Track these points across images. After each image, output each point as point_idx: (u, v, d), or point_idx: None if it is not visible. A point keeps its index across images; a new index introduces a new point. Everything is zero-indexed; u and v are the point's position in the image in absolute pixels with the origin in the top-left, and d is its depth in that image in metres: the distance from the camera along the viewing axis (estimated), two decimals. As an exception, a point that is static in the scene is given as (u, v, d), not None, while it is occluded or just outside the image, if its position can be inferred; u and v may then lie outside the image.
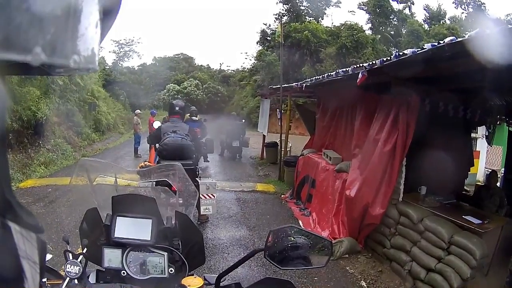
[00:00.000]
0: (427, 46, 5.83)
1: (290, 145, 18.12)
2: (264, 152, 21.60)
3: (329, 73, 10.38)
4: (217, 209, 9.67)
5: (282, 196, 13.47)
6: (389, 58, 7.02)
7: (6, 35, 0.59)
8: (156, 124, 10.13)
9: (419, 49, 6.09)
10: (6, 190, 0.75)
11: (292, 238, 2.05)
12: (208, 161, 14.18)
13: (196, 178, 8.62)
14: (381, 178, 8.00)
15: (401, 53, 6.56)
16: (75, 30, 0.69)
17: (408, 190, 8.24)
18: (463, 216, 7.31)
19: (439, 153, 7.81)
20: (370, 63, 7.63)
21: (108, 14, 0.81)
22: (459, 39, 5.19)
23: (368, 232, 8.52)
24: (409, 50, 6.38)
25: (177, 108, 8.99)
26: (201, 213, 8.90)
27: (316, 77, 11.84)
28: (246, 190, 14.03)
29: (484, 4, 46.74)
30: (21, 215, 0.79)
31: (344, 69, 8.97)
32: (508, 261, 6.78)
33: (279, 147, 18.37)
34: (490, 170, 11.88)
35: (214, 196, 8.84)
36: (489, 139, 11.39)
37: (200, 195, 8.35)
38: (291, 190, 13.56)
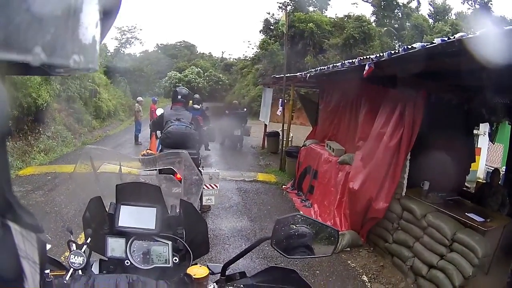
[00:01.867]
0: (437, 40, 5.74)
1: (291, 135, 18.03)
2: (265, 141, 21.56)
3: (335, 64, 10.25)
4: (218, 199, 9.48)
5: (283, 186, 13.44)
6: (397, 51, 6.92)
7: (6, 35, 0.58)
8: (159, 111, 10.05)
9: (428, 43, 5.99)
10: (6, 190, 0.77)
11: (300, 229, 2.00)
12: (209, 150, 14.16)
13: (199, 168, 8.39)
14: (385, 172, 7.96)
15: (409, 47, 6.44)
16: (75, 30, 0.70)
17: (411, 185, 8.21)
18: (466, 214, 7.32)
19: (442, 149, 7.80)
20: (378, 55, 7.52)
21: (108, 14, 0.83)
22: (469, 36, 5.12)
23: (371, 226, 8.48)
24: (417, 43, 6.27)
25: (180, 96, 8.83)
26: (203, 203, 8.86)
27: (321, 67, 11.74)
28: (247, 180, 14.04)
29: (491, 1, 46.51)
30: (21, 215, 0.81)
31: (350, 60, 8.86)
32: (508, 260, 6.74)
33: (280, 136, 18.38)
34: (493, 168, 11.84)
35: (216, 187, 8.89)
36: (492, 137, 11.35)
37: (203, 185, 7.88)
38: (292, 180, 13.53)
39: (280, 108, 17.58)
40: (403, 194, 8.05)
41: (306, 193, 11.84)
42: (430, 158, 7.64)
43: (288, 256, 2.01)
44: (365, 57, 8.22)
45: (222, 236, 8.57)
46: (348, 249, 8.31)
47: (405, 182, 8.07)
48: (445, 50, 5.58)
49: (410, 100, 7.68)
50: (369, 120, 8.84)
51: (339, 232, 7.41)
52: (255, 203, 11.32)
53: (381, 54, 7.37)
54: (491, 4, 46.35)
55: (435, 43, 5.73)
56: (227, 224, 9.29)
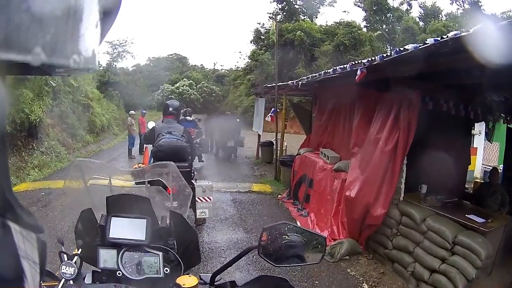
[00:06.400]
0: (430, 40, 5.69)
1: (285, 144, 18.08)
2: (260, 151, 21.48)
3: (326, 70, 10.17)
4: (213, 212, 9.15)
5: (279, 196, 13.33)
6: (389, 54, 6.90)
7: (6, 35, 0.59)
8: (151, 125, 9.92)
9: (421, 44, 5.93)
10: (6, 190, 0.78)
11: (287, 237, 2.05)
12: (203, 161, 14.12)
13: (192, 180, 8.48)
14: (382, 178, 7.89)
15: (402, 49, 6.39)
16: (75, 30, 0.70)
17: (409, 190, 8.14)
18: (466, 215, 7.25)
19: (439, 151, 7.75)
20: (370, 59, 7.47)
21: (108, 14, 0.83)
22: (462, 34, 5.06)
23: (369, 233, 8.39)
24: (410, 45, 6.23)
25: (171, 109, 8.82)
26: (197, 216, 8.69)
27: (313, 75, 11.66)
28: (242, 191, 13.91)
29: (480, 0, 46.73)
30: (21, 215, 0.82)
31: (342, 66, 8.80)
32: (511, 260, 6.73)
33: (274, 146, 18.34)
34: (491, 167, 11.82)
35: (210, 199, 8.63)
36: (489, 136, 11.31)
37: (196, 198, 8.30)
38: (287, 190, 13.44)
39: (269, 116, 17.55)
40: (401, 199, 7.98)
41: (302, 202, 11.75)
42: (427, 160, 7.64)
43: (276, 265, 2.08)
44: (357, 61, 8.20)
45: (218, 249, 8.46)
46: (347, 257, 8.20)
47: (403, 186, 8.01)
48: (438, 50, 5.55)
49: (404, 103, 7.64)
50: (363, 125, 8.76)
51: (338, 241, 7.36)
52: (250, 214, 11.23)
53: (373, 58, 7.31)
54: (480, 2, 46.57)
55: (428, 43, 5.67)
56: (223, 237, 9.19)
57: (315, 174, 10.96)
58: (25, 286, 0.82)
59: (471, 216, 7.18)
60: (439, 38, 5.54)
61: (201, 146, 10.38)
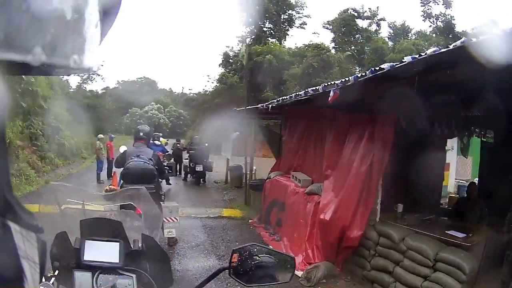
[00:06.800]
0: (408, 58, 5.70)
1: (254, 168, 17.93)
2: (229, 176, 21.35)
3: (297, 93, 10.10)
4: (184, 238, 9.97)
5: (250, 221, 13.13)
6: (363, 74, 6.84)
7: (6, 35, 0.60)
8: (122, 149, 10.05)
9: (397, 63, 5.95)
10: (6, 190, 0.78)
11: (258, 257, 2.12)
12: (170, 184, 14.07)
13: (160, 202, 8.73)
14: (358, 199, 7.86)
15: (377, 68, 6.36)
16: (75, 30, 0.71)
17: (384, 210, 8.11)
18: (446, 232, 7.27)
19: (413, 169, 7.77)
20: (343, 80, 7.43)
21: (108, 15, 0.83)
22: (442, 50, 5.11)
23: (346, 255, 8.31)
24: (386, 64, 6.22)
25: (141, 134, 9.16)
26: (165, 235, 9.08)
27: (283, 97, 11.62)
28: (212, 216, 13.73)
29: (453, 17, 47.39)
30: (21, 215, 0.81)
31: (314, 88, 8.74)
32: (494, 271, 6.71)
33: (243, 170, 18.16)
34: (465, 182, 11.95)
35: (177, 219, 9.24)
36: (464, 152, 11.44)
37: (164, 219, 8.65)
38: (259, 214, 13.20)
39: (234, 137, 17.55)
40: (377, 219, 7.96)
41: (274, 227, 11.55)
42: (401, 179, 7.66)
43: (247, 285, 2.09)
44: (329, 83, 8.17)
45: (189, 277, 8.19)
46: (324, 280, 8.03)
47: (379, 207, 7.99)
48: (414, 68, 5.58)
49: (378, 123, 7.65)
50: (336, 147, 8.78)
51: (313, 264, 7.30)
52: (222, 240, 11.01)
53: (347, 79, 7.25)
54: (453, 19, 47.24)
55: (405, 61, 5.69)
56: (194, 264, 8.94)
57: (286, 198, 10.84)
58: (25, 286, 0.81)
59: (451, 232, 7.19)
60: (417, 56, 5.58)
61: (169, 170, 11.36)
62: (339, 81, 7.50)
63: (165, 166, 10.88)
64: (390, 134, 7.60)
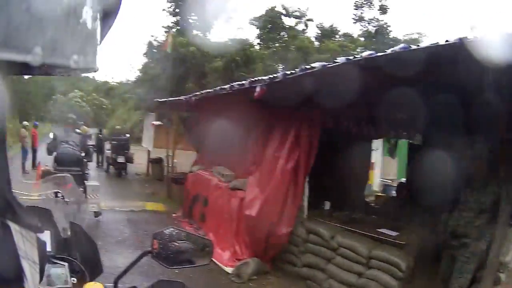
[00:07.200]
0: (341, 59, 5.72)
1: (174, 160, 17.73)
2: (150, 168, 21.18)
3: (222, 86, 10.09)
4: (109, 232, 10.42)
5: (174, 215, 12.93)
6: (293, 71, 6.83)
7: (6, 35, 0.60)
8: (51, 135, 12.42)
9: (330, 63, 6.00)
10: (6, 190, 0.87)
11: (176, 243, 2.17)
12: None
13: (85, 181, 10.75)
14: (285, 196, 7.84)
15: (308, 67, 6.41)
16: (75, 30, 0.72)
17: (311, 207, 8.11)
18: (377, 230, 7.37)
19: (339, 167, 7.89)
20: (271, 76, 7.43)
21: (108, 14, 0.86)
22: (379, 54, 5.18)
23: (275, 252, 8.26)
24: (317, 63, 6.28)
25: (70, 121, 11.48)
26: (89, 210, 10.09)
27: (207, 90, 11.62)
28: (136, 210, 13.47)
29: (386, 23, 48.49)
30: (21, 215, 0.88)
31: (240, 82, 8.72)
32: (431, 269, 6.98)
33: (164, 163, 18.26)
34: (390, 181, 12.13)
35: (98, 196, 10.91)
36: (392, 153, 11.62)
37: (87, 195, 10.34)
38: (182, 209, 13.02)
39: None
40: (305, 216, 7.94)
41: (198, 221, 11.36)
42: (329, 177, 7.67)
43: (169, 267, 2.20)
44: (254, 78, 8.14)
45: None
46: (255, 277, 7.96)
47: (306, 204, 7.97)
48: (346, 69, 5.63)
49: (305, 121, 7.68)
50: (261, 142, 8.79)
51: (243, 261, 7.20)
52: (147, 234, 10.36)
53: (275, 76, 7.27)
54: (386, 25, 48.33)
55: (337, 62, 5.71)
56: (123, 260, 8.42)
57: (210, 192, 10.69)
58: (25, 286, 0.84)
59: (383, 230, 7.30)
60: (351, 58, 5.62)
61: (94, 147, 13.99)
62: (267, 77, 7.45)
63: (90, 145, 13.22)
64: (317, 132, 7.65)
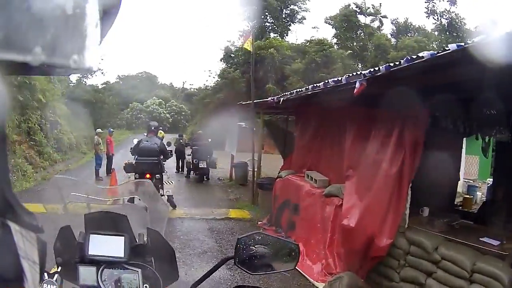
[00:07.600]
0: (451, 46, 5.10)
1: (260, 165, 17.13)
2: (233, 173, 20.86)
3: (315, 84, 9.42)
4: (189, 243, 10.21)
5: (259, 223, 12.50)
6: (397, 63, 6.17)
7: (6, 35, 0.60)
8: (135, 140, 13.48)
9: (438, 51, 5.36)
10: (6, 190, 0.80)
11: (262, 246, 2.14)
12: (172, 183, 13.98)
13: (162, 172, 12.72)
14: (387, 204, 7.25)
15: (414, 57, 5.74)
16: (75, 30, 0.71)
17: (410, 214, 7.51)
18: (480, 239, 6.71)
19: (434, 170, 7.34)
20: (372, 70, 6.82)
21: (108, 14, 0.83)
22: (467, 44, 4.82)
23: (372, 265, 7.64)
24: (425, 52, 5.60)
25: (153, 128, 13.40)
26: (164, 194, 12.29)
27: (297, 90, 11.01)
28: (219, 218, 13.14)
29: (458, 14, 47.21)
30: (21, 215, 0.83)
31: (336, 79, 8.12)
32: None
33: (249, 167, 18.04)
34: (488, 184, 11.71)
35: (172, 182, 13.52)
36: (485, 151, 10.98)
37: (164, 182, 12.57)
38: (268, 216, 12.63)
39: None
40: (406, 226, 7.34)
41: (286, 230, 10.88)
42: (425, 180, 7.24)
43: (252, 273, 2.18)
44: (355, 73, 7.56)
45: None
46: (347, 292, 7.49)
47: (407, 212, 7.37)
48: (450, 60, 5.18)
49: (409, 120, 7.11)
50: (358, 146, 8.23)
51: (336, 276, 6.78)
52: (231, 245, 10.17)
53: (377, 68, 6.64)
54: (458, 17, 47.00)
55: (448, 49, 5.12)
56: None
57: (301, 199, 10.21)
58: (25, 286, 0.83)
59: (485, 239, 6.66)
60: (456, 46, 5.07)
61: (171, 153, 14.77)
62: (367, 71, 6.88)
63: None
64: (422, 133, 7.06)
